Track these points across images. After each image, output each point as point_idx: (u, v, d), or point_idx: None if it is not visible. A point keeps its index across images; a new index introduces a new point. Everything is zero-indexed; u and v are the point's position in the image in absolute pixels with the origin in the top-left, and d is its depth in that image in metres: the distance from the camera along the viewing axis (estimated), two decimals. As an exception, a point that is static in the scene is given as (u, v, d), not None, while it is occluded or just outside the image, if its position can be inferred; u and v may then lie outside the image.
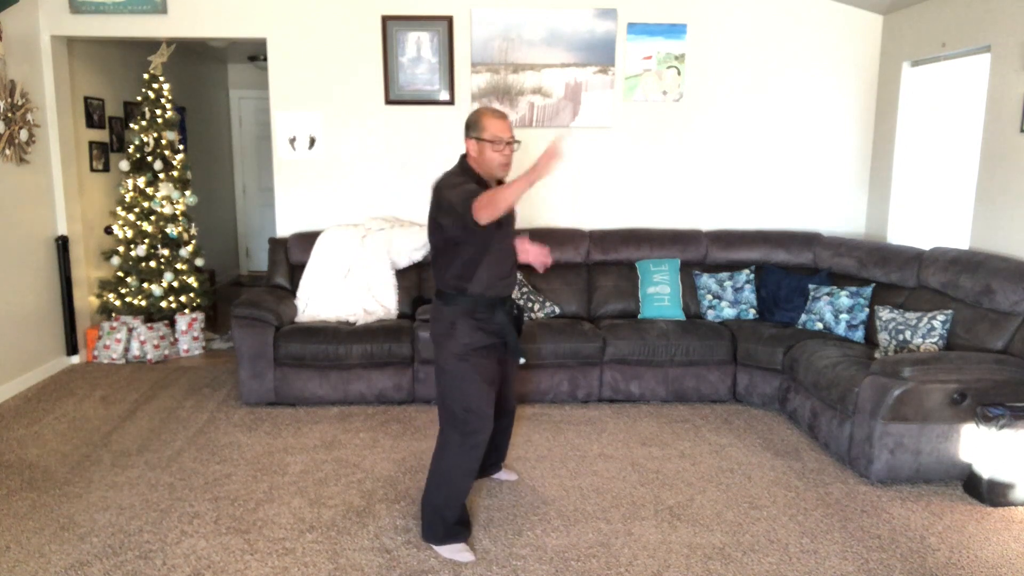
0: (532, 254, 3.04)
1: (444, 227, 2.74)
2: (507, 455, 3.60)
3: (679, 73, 5.27)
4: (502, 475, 3.51)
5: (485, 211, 2.50)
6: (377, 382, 4.48)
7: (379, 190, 5.33)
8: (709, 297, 4.93)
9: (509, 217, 2.83)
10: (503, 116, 2.77)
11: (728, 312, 4.87)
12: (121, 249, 5.52)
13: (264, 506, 3.25)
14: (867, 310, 4.44)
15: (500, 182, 2.86)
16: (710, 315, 4.90)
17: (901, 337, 3.99)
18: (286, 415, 4.37)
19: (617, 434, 4.11)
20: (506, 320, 2.87)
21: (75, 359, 5.35)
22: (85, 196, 5.53)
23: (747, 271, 4.97)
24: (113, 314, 5.49)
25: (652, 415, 4.41)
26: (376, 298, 4.86)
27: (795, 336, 4.45)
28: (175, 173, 5.59)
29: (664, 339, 4.50)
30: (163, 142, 5.52)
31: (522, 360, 3.07)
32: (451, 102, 5.21)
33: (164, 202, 5.51)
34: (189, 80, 7.55)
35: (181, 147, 5.75)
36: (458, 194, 2.62)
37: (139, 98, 5.61)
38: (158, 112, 5.54)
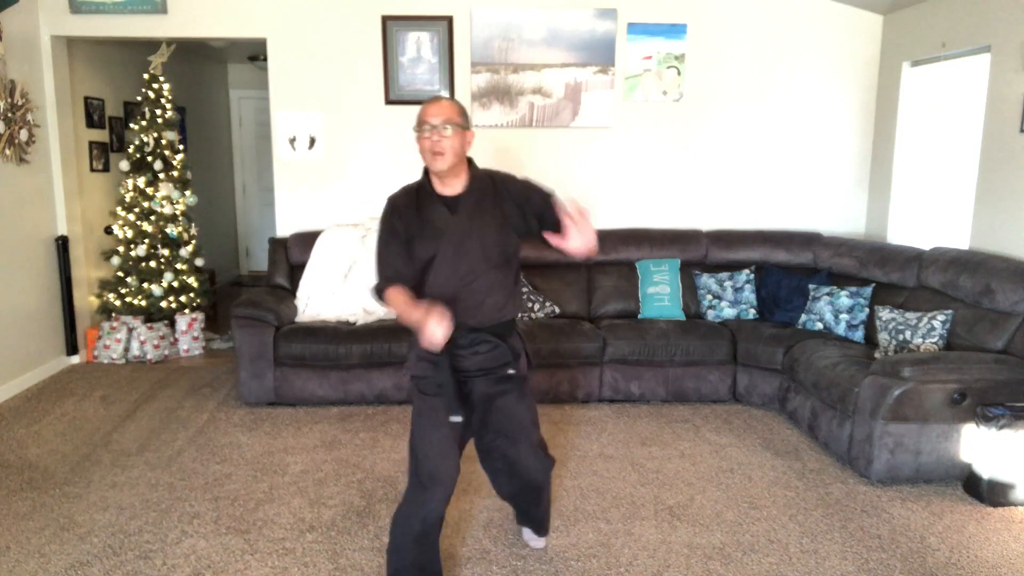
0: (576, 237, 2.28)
1: None
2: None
3: (679, 73, 5.27)
4: (528, 536, 2.97)
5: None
6: (377, 382, 4.48)
7: (379, 190, 5.31)
8: (709, 297, 4.93)
9: (458, 239, 2.35)
10: (438, 99, 2.37)
11: (728, 312, 4.87)
12: (121, 249, 5.52)
13: (264, 506, 3.25)
14: (867, 310, 4.44)
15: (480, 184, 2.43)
16: (710, 315, 4.90)
17: (901, 337, 3.99)
18: (286, 415, 4.37)
19: (617, 434, 4.11)
20: (444, 362, 2.35)
21: (75, 359, 5.35)
22: (85, 196, 5.53)
23: (747, 271, 4.97)
24: (113, 314, 5.49)
25: (652, 415, 4.41)
26: (376, 298, 4.85)
27: (795, 336, 4.45)
28: (175, 173, 5.59)
29: (664, 339, 4.50)
30: (163, 142, 5.52)
31: (453, 419, 2.38)
32: (451, 102, 5.20)
33: (164, 202, 5.51)
34: (189, 80, 7.55)
35: (181, 147, 5.75)
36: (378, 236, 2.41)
37: (139, 98, 5.62)
38: (158, 112, 5.54)
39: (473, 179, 2.42)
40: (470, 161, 2.46)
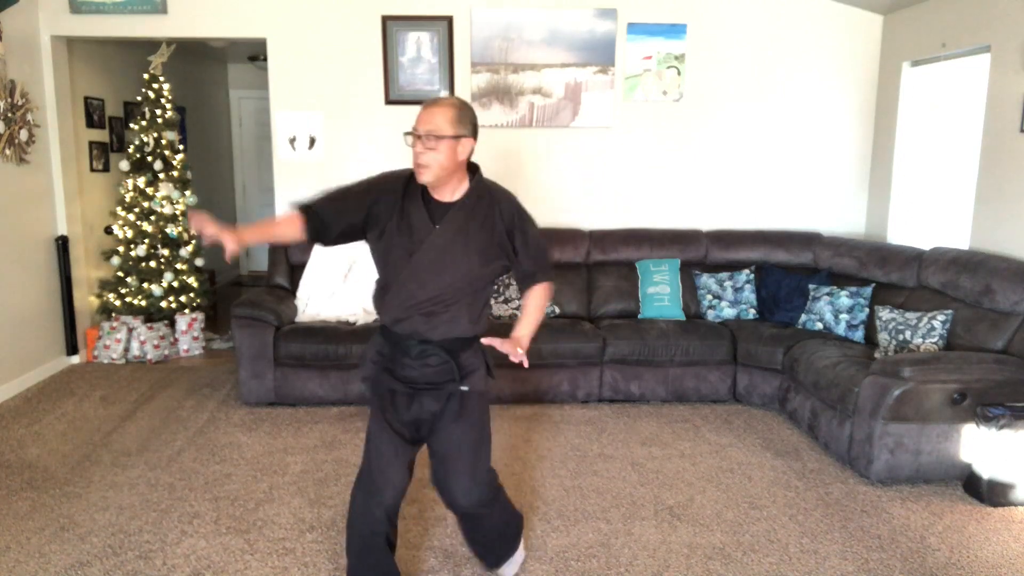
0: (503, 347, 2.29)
1: None
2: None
3: (679, 73, 5.27)
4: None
5: None
6: (377, 382, 4.47)
7: (379, 190, 5.32)
8: (709, 297, 4.93)
9: (432, 240, 2.20)
10: (434, 102, 2.18)
11: (728, 312, 4.87)
12: (121, 249, 5.52)
13: (264, 506, 3.25)
14: (867, 310, 4.44)
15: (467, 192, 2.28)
16: (710, 315, 4.90)
17: (901, 337, 3.98)
18: (286, 415, 4.37)
19: (617, 434, 4.10)
20: (395, 367, 2.28)
21: (75, 359, 5.35)
22: (85, 196, 5.53)
23: (747, 271, 4.97)
24: (113, 314, 5.49)
25: (652, 415, 4.41)
26: (376, 298, 4.85)
27: (795, 336, 4.45)
28: (175, 173, 5.59)
29: (664, 339, 4.50)
30: (163, 142, 5.52)
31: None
32: (451, 102, 5.20)
33: (164, 202, 5.51)
34: (189, 80, 7.55)
35: (181, 147, 5.75)
36: None
37: (139, 98, 5.62)
38: (158, 112, 5.54)
39: (471, 191, 2.23)
40: (473, 168, 2.27)
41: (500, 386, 4.49)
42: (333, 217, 2.26)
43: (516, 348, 2.23)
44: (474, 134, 2.20)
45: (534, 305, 2.35)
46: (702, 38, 5.24)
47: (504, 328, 4.51)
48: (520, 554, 2.75)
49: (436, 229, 2.20)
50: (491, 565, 2.73)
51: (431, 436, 2.37)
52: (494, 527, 2.61)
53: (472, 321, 2.30)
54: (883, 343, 4.10)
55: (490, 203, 2.25)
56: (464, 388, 2.31)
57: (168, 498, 3.31)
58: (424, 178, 2.17)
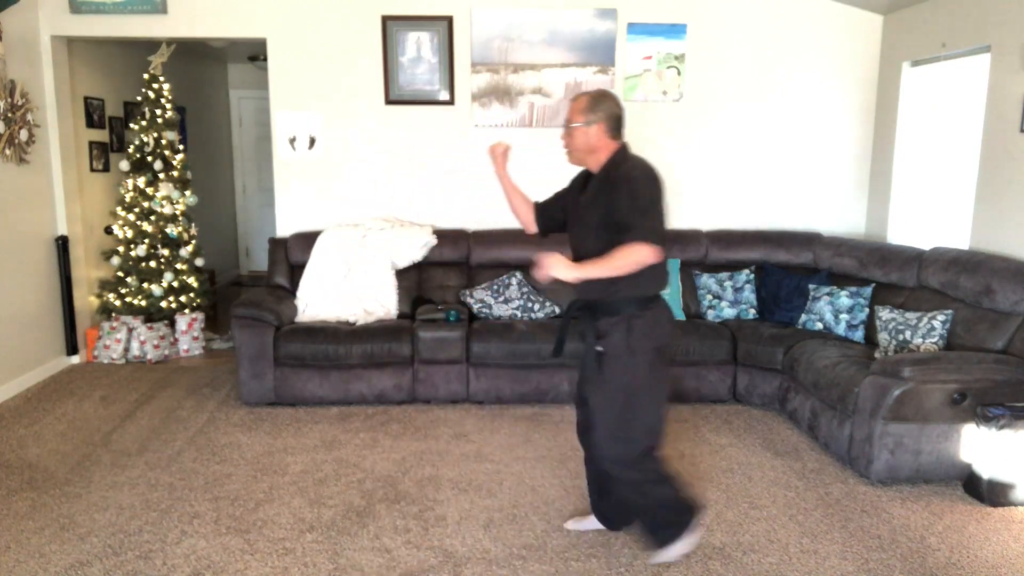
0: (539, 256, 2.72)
1: None
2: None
3: (679, 73, 5.27)
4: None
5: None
6: (377, 382, 4.48)
7: (379, 190, 5.33)
8: (709, 297, 4.93)
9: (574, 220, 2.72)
10: (575, 97, 2.64)
11: (728, 312, 4.87)
12: (121, 249, 5.52)
13: (264, 506, 3.25)
14: (867, 310, 4.44)
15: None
16: (710, 315, 4.90)
17: (901, 337, 3.98)
18: (286, 415, 4.37)
19: (617, 434, 4.10)
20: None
21: (75, 359, 5.35)
22: (85, 196, 5.53)
23: (747, 271, 4.97)
24: (113, 314, 5.49)
25: (652, 415, 4.41)
26: (376, 298, 4.86)
27: (795, 336, 4.45)
28: (175, 173, 5.59)
29: (664, 339, 4.50)
30: (163, 142, 5.52)
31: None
32: (451, 102, 5.21)
33: (164, 202, 5.51)
34: (189, 80, 7.55)
35: (181, 147, 5.75)
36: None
37: (139, 98, 5.62)
38: (158, 112, 5.54)
39: (606, 164, 2.60)
40: (620, 148, 2.61)
41: (499, 385, 4.50)
42: (546, 207, 2.89)
43: (549, 259, 2.40)
44: (608, 119, 2.57)
45: (608, 255, 2.44)
46: (702, 38, 5.24)
47: (501, 327, 4.52)
48: (673, 549, 2.79)
49: (581, 196, 2.67)
50: (612, 528, 3.03)
51: (582, 387, 2.80)
52: (622, 500, 2.86)
53: (601, 283, 2.53)
54: (883, 343, 4.10)
55: (616, 172, 2.58)
56: (599, 349, 2.61)
57: (168, 498, 3.31)
58: (568, 159, 2.68)
